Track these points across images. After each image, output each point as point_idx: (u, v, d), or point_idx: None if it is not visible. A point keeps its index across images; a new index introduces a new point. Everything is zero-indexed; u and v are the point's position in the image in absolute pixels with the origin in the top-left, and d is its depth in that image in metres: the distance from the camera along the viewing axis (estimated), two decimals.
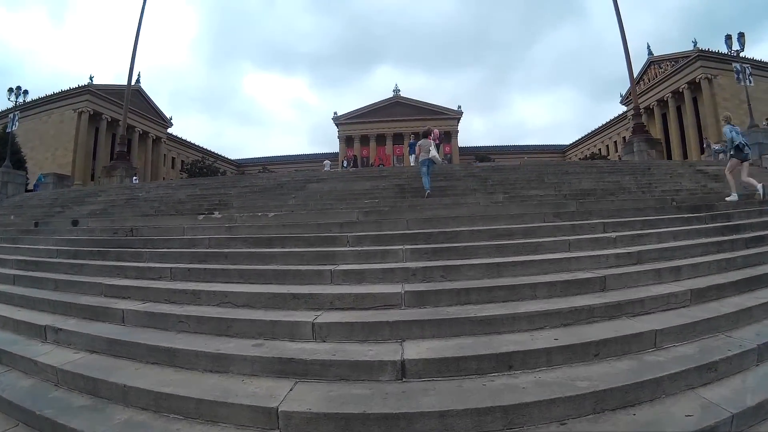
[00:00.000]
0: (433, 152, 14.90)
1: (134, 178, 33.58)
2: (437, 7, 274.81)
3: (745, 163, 11.93)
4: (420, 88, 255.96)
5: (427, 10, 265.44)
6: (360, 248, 7.59)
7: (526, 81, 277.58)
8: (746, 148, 11.98)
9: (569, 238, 7.64)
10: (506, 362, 4.23)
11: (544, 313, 5.04)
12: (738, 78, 28.45)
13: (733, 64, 28.94)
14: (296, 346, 4.72)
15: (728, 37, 28.24)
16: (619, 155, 54.03)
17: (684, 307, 5.50)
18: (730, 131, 12.00)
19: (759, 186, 11.51)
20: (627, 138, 73.37)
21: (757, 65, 59.00)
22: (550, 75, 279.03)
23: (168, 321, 5.58)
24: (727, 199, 11.40)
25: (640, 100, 70.52)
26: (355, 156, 44.42)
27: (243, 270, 6.91)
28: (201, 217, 11.14)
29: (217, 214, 13.17)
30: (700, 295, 5.71)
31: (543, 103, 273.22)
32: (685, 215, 9.62)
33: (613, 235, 7.82)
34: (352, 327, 4.91)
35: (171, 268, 7.29)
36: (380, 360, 4.27)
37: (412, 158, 23.55)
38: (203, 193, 18.69)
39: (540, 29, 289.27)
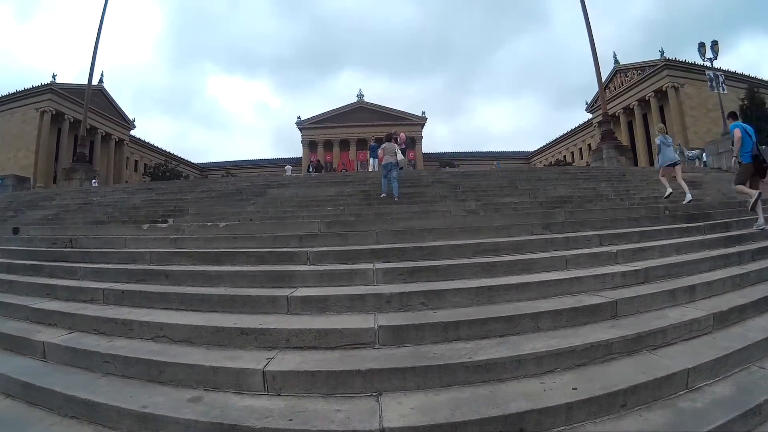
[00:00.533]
0: (399, 155, 14.37)
1: (93, 181, 32.48)
2: (400, 13, 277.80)
3: (677, 167, 12.53)
4: (383, 93, 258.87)
5: (390, 15, 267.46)
6: (322, 267, 6.49)
7: (489, 88, 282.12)
8: (674, 155, 12.77)
9: (565, 253, 6.71)
10: (517, 425, 3.25)
11: (555, 353, 4.05)
12: (711, 86, 28.23)
13: (706, 72, 28.83)
14: (243, 403, 3.62)
15: (701, 45, 28.32)
16: (587, 162, 53.87)
17: (707, 334, 4.77)
18: (659, 141, 12.87)
19: (688, 194, 12.04)
20: (593, 145, 75.40)
21: (724, 75, 59.86)
22: (512, 83, 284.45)
23: (93, 359, 4.51)
24: (684, 202, 11.77)
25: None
26: (318, 161, 43.00)
27: (185, 294, 5.72)
28: (146, 226, 9.84)
29: (170, 222, 12.21)
30: (722, 320, 4.99)
31: (505, 110, 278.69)
32: (683, 225, 8.93)
33: (613, 249, 6.89)
34: (313, 377, 3.80)
35: (104, 289, 6.11)
36: (353, 430, 3.21)
37: (372, 162, 22.65)
38: (159, 198, 17.57)
39: (502, 37, 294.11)
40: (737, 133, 9.71)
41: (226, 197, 16.35)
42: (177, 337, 4.77)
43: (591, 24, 30.37)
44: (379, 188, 14.81)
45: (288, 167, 44.79)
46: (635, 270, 6.01)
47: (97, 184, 31.87)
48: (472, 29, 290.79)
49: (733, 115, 11.05)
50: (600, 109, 71.66)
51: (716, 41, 27.99)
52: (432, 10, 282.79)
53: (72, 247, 9.08)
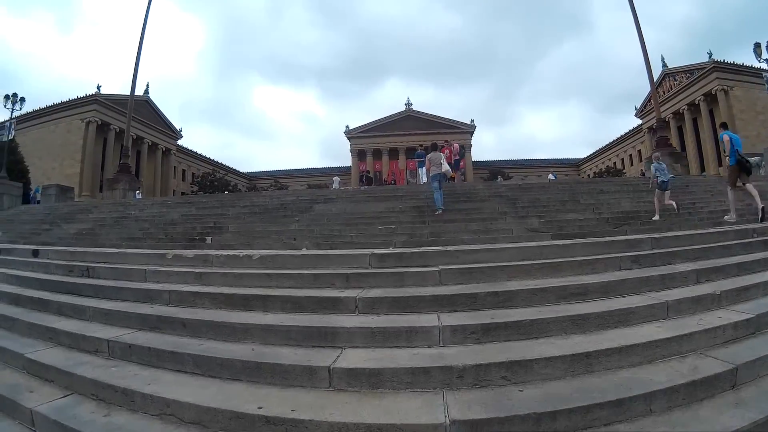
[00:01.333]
0: (445, 166, 14.04)
1: (137, 192, 32.13)
2: (442, 21, 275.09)
3: (667, 192, 13.20)
4: (429, 101, 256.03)
5: (433, 25, 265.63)
6: (374, 320, 5.23)
7: (533, 95, 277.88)
8: (664, 182, 13.27)
9: (662, 295, 5.65)
10: None
11: None
12: None
13: (764, 74, 27.10)
14: None
15: (757, 45, 26.37)
16: (641, 170, 52.65)
17: None
18: (654, 169, 13.76)
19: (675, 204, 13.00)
20: (643, 151, 73.88)
21: None
22: (556, 89, 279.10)
23: None
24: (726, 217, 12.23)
25: (653, 114, 69.50)
26: (368, 171, 41.39)
27: (202, 356, 4.70)
28: (171, 255, 8.78)
29: (208, 240, 12.04)
30: None
31: (551, 116, 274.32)
32: None
33: (717, 290, 5.78)
34: None
35: (110, 340, 5.29)
36: None
37: (421, 171, 21.84)
38: (198, 213, 17.14)
39: (545, 44, 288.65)
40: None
41: (269, 213, 15.82)
42: (186, 417, 3.88)
43: (641, 26, 29.16)
44: (432, 203, 14.07)
45: (335, 179, 43.55)
46: (746, 319, 5.04)
47: (140, 196, 31.93)
48: (515, 36, 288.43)
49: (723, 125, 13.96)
50: (650, 113, 70.99)
51: None
52: (474, 18, 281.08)
53: (88, 276, 8.38)
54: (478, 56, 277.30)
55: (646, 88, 51.77)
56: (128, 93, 34.20)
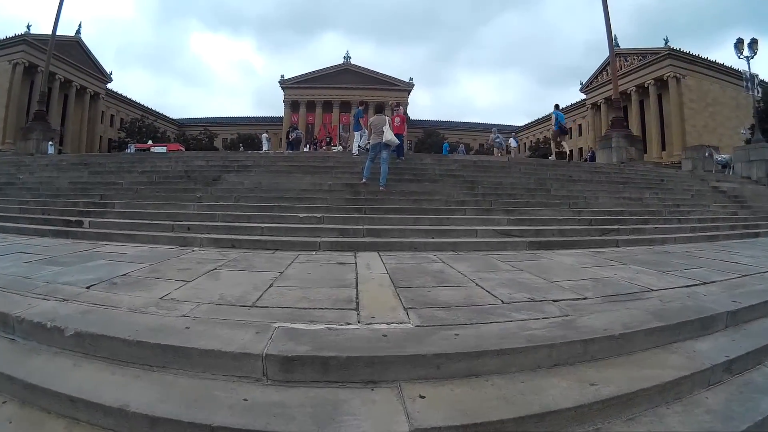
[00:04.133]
0: (388, 134, 11.31)
1: (50, 143, 28.70)
2: None
3: None
4: (368, 58, 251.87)
5: None
6: None
7: (473, 61, 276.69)
8: None
9: None
10: None
11: None
12: (746, 87, 25.93)
13: (743, 72, 26.24)
14: None
15: (740, 41, 24.91)
16: (591, 148, 51.87)
17: None
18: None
19: None
20: (583, 126, 74.00)
21: (723, 71, 58.42)
22: (497, 57, 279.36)
23: None
24: None
25: (600, 91, 69.23)
26: (296, 127, 35.13)
27: None
28: None
29: (85, 223, 9.34)
30: None
31: (489, 83, 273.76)
32: None
33: None
34: None
35: None
36: None
37: (357, 136, 18.13)
38: (89, 180, 13.95)
39: (490, 11, 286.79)
40: None
41: (169, 183, 12.72)
42: None
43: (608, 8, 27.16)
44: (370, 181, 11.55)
45: (264, 135, 40.54)
46: None
47: (52, 146, 28.67)
48: (459, 1, 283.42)
49: None
50: (595, 90, 70.47)
51: (756, 39, 24.61)
52: None
53: None
54: (420, 16, 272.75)
55: (591, 66, 51.50)
56: (62, 35, 30.19)
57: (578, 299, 4.49)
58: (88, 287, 4.53)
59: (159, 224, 8.96)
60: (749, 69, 24.95)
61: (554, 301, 4.37)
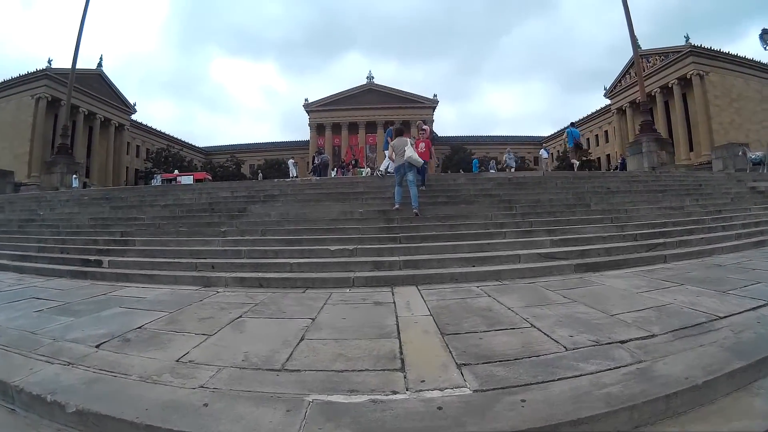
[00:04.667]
0: (409, 152, 10.89)
1: (74, 176, 28.88)
2: None
3: None
4: (391, 76, 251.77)
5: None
6: None
7: (496, 71, 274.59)
8: None
9: None
10: None
11: None
12: None
13: None
14: None
15: (765, 32, 23.73)
16: (621, 154, 51.20)
17: None
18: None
19: None
20: (610, 132, 73.40)
21: (746, 64, 57.26)
22: (519, 66, 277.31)
23: None
24: None
25: (624, 95, 68.20)
26: (322, 152, 34.32)
27: None
28: None
29: (105, 263, 8.90)
30: None
31: (513, 93, 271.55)
32: None
33: None
34: None
35: None
36: None
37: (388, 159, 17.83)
38: (110, 215, 13.64)
39: (508, 20, 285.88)
40: None
41: (192, 216, 12.29)
42: None
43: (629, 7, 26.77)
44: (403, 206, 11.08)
45: (290, 161, 40.81)
46: None
47: (77, 180, 28.89)
48: (479, 12, 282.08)
49: None
50: (620, 94, 69.65)
51: None
52: None
53: None
54: (440, 31, 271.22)
55: (614, 69, 50.95)
56: (84, 68, 30.65)
57: (646, 337, 4.00)
58: (97, 346, 4.11)
59: (181, 263, 8.51)
60: None
61: (622, 343, 3.87)
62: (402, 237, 9.40)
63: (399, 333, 4.42)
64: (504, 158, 32.71)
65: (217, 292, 6.73)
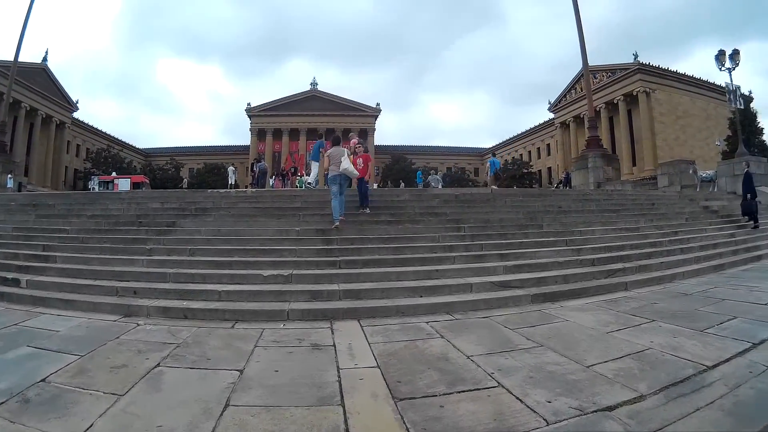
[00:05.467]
0: (345, 164, 10.87)
1: (9, 176, 28.07)
2: (353, 5, 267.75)
3: None
4: (336, 84, 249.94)
5: (343, 7, 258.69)
6: None
7: (439, 83, 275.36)
8: None
9: None
10: None
11: None
12: (729, 99, 25.22)
13: (725, 84, 25.44)
14: None
15: (721, 53, 24.31)
16: (565, 169, 53.22)
17: None
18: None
19: None
20: (552, 145, 74.83)
21: (693, 83, 59.10)
22: (463, 79, 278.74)
23: None
24: None
25: (569, 109, 69.40)
26: (261, 159, 32.90)
27: None
28: None
29: (22, 282, 8.09)
30: None
31: (457, 105, 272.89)
32: None
33: None
34: None
35: None
36: None
37: (314, 167, 16.77)
38: (35, 225, 12.35)
39: (453, 33, 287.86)
40: None
41: (118, 231, 11.15)
42: None
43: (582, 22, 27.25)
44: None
45: (231, 168, 41.08)
46: None
47: (11, 180, 28.02)
48: (425, 24, 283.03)
49: None
50: (564, 109, 70.79)
51: (737, 50, 24.19)
52: (385, 2, 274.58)
53: None
54: (386, 42, 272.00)
55: (557, 82, 51.50)
56: (27, 61, 29.57)
57: (636, 399, 3.53)
58: None
59: (102, 286, 7.59)
60: (731, 81, 24.46)
61: (609, 410, 3.35)
62: (342, 261, 8.60)
63: (342, 396, 3.72)
64: (428, 180, 34.23)
65: (137, 325, 5.96)
